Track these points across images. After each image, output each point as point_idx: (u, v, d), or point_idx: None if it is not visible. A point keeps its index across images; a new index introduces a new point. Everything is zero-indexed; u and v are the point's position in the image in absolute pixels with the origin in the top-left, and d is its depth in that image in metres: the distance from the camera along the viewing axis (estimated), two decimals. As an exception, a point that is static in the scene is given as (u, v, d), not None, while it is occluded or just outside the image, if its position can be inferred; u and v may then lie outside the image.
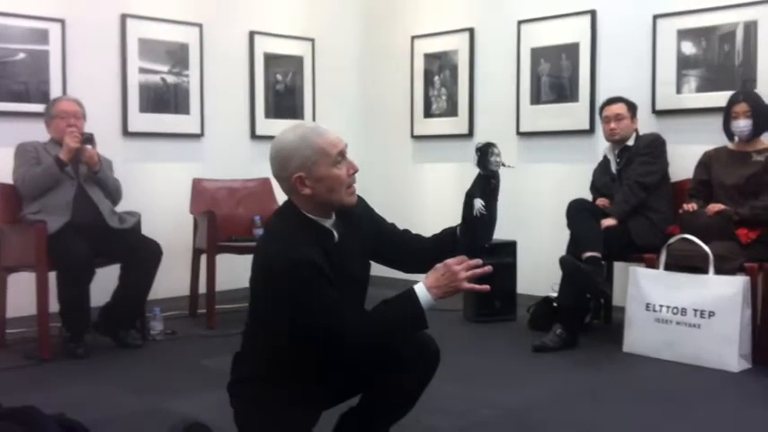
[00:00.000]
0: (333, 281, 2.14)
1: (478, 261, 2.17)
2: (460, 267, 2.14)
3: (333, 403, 2.42)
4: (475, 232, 2.34)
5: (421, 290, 2.14)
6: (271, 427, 2.21)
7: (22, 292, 4.34)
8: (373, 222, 2.44)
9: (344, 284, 2.20)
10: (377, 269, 2.48)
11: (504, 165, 2.38)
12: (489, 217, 2.35)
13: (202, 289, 5.03)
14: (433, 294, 2.13)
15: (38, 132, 4.45)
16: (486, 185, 2.36)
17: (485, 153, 2.35)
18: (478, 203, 2.33)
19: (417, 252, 2.44)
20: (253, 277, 2.28)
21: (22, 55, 4.92)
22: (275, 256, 2.16)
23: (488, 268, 2.18)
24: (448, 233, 2.43)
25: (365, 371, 2.34)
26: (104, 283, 4.34)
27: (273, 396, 2.23)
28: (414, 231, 2.54)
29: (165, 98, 5.57)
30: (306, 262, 2.11)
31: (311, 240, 2.19)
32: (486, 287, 2.19)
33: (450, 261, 2.16)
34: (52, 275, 4.15)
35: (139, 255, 4.31)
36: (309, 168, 2.20)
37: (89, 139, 4.32)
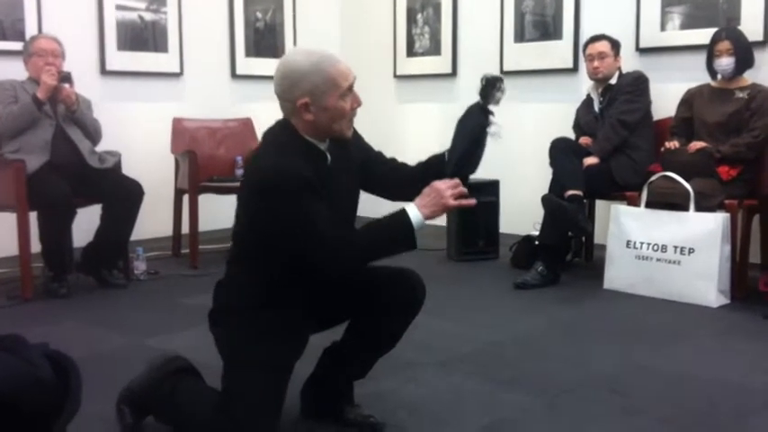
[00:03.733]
0: (323, 198, 2.14)
1: (464, 189, 2.19)
2: (446, 186, 2.16)
3: (316, 330, 2.42)
4: (462, 159, 2.33)
5: (411, 208, 2.16)
6: (254, 352, 2.21)
7: (4, 233, 4.32)
8: (362, 150, 2.44)
9: (335, 207, 2.19)
10: (363, 207, 2.47)
11: (497, 125, 2.35)
12: (477, 146, 2.34)
13: (185, 229, 5.02)
14: (422, 212, 2.14)
15: (14, 71, 4.36)
16: (482, 115, 2.34)
17: (492, 85, 2.32)
18: (489, 125, 2.31)
19: (404, 178, 2.44)
20: (240, 194, 2.27)
21: (-5, -9, 4.81)
22: (265, 169, 2.15)
23: (473, 201, 2.20)
24: (434, 159, 2.42)
25: (350, 298, 2.35)
26: (86, 223, 4.32)
27: (256, 322, 2.23)
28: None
29: (142, 36, 5.48)
30: (296, 174, 2.10)
31: (304, 158, 2.18)
32: (473, 201, 2.20)
33: (436, 182, 2.18)
34: (34, 216, 4.13)
35: (120, 195, 4.28)
36: (317, 96, 2.17)
37: (66, 77, 4.25)
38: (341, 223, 2.22)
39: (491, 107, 2.34)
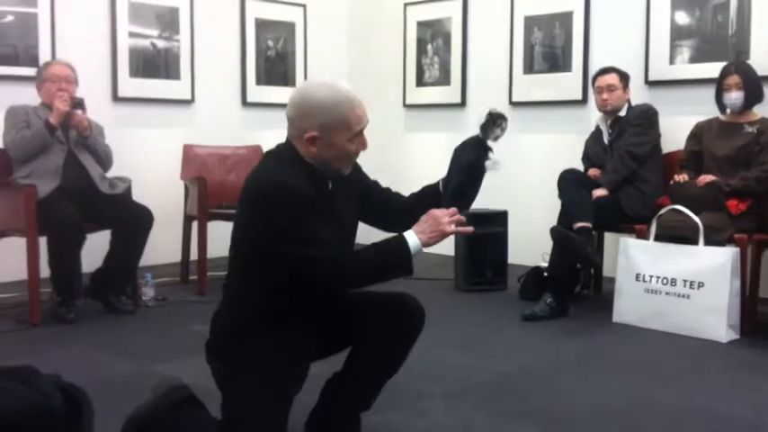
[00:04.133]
0: (322, 219, 2.14)
1: (461, 217, 2.20)
2: (443, 214, 2.18)
3: (316, 358, 2.40)
4: (457, 190, 2.34)
5: (409, 234, 2.16)
6: (253, 382, 2.20)
7: (13, 257, 4.33)
8: (361, 179, 2.45)
9: (335, 232, 2.19)
10: (359, 237, 2.47)
11: (496, 162, 2.36)
12: (474, 180, 2.36)
13: (194, 256, 5.02)
14: (419, 238, 2.15)
15: (27, 96, 4.39)
16: (480, 149, 2.35)
17: (493, 122, 2.33)
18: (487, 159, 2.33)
19: (398, 208, 2.46)
20: (238, 211, 2.27)
21: (10, 17, 4.87)
22: (264, 184, 2.17)
23: (470, 228, 2.22)
24: (428, 189, 2.45)
25: (348, 324, 2.34)
26: (95, 249, 4.33)
27: (254, 353, 2.22)
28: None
29: (155, 63, 5.53)
30: (295, 190, 2.11)
31: (306, 179, 2.18)
32: (470, 229, 2.22)
33: (433, 210, 2.20)
34: (43, 241, 4.14)
35: (130, 220, 4.29)
36: (326, 133, 2.18)
37: (79, 103, 4.28)
38: (338, 244, 2.22)
39: (489, 143, 2.35)
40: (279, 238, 2.13)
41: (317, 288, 2.22)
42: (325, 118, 2.17)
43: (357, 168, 2.42)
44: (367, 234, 2.60)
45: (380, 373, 2.40)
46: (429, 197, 2.41)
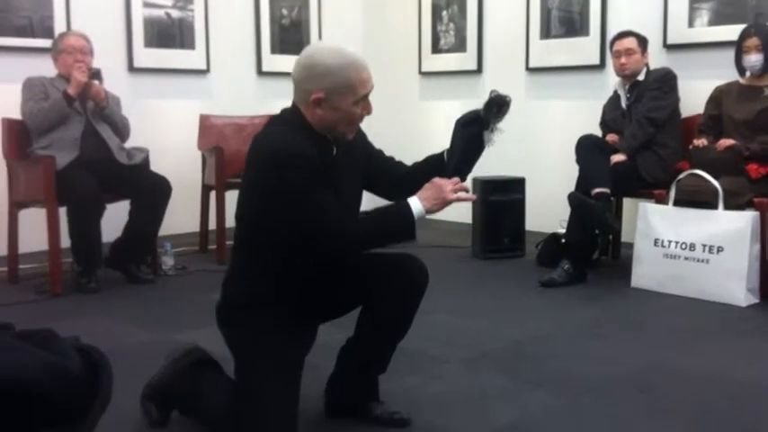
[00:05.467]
0: (327, 185, 2.16)
1: (464, 185, 2.24)
2: (446, 182, 2.22)
3: (322, 320, 2.44)
4: (459, 162, 2.37)
5: (413, 200, 2.19)
6: (264, 349, 2.23)
7: (34, 228, 4.38)
8: (366, 147, 2.47)
9: (338, 197, 2.21)
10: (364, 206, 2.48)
11: (497, 129, 2.37)
12: (474, 152, 2.38)
13: (212, 225, 5.05)
14: (423, 204, 2.18)
15: (43, 68, 4.41)
16: (480, 124, 2.37)
17: (499, 106, 2.33)
18: (486, 135, 2.35)
19: (402, 177, 2.47)
20: (245, 174, 2.28)
21: (25, -12, 4.87)
22: (269, 148, 2.17)
23: (473, 196, 2.27)
24: (432, 159, 2.46)
25: (353, 286, 2.36)
26: (115, 219, 4.36)
27: (263, 319, 2.25)
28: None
29: (169, 33, 5.53)
30: (302, 153, 2.12)
31: (310, 143, 2.19)
32: (473, 196, 2.27)
33: (436, 178, 2.24)
34: (63, 212, 4.17)
35: (148, 191, 4.32)
36: (332, 96, 2.19)
37: (96, 74, 4.30)
38: (343, 208, 2.23)
39: (491, 122, 2.37)
40: (284, 202, 2.14)
41: (322, 253, 2.23)
42: (331, 81, 2.18)
43: (362, 135, 2.43)
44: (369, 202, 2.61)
45: (390, 331, 2.39)
46: (432, 165, 2.43)
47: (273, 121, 2.31)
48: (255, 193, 2.24)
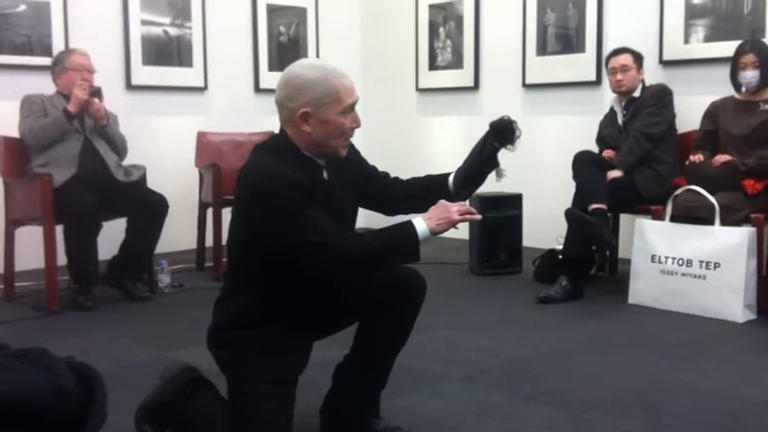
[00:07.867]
0: (319, 208, 2.14)
1: (471, 208, 2.23)
2: (452, 204, 2.21)
3: (317, 337, 2.42)
4: (469, 183, 2.38)
5: (417, 220, 2.18)
6: (257, 370, 2.22)
7: (30, 246, 4.37)
8: (360, 165, 2.45)
9: (333, 219, 2.18)
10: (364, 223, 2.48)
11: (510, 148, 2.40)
12: (483, 174, 2.41)
13: (209, 242, 5.05)
14: (428, 225, 2.16)
15: (41, 86, 4.42)
16: (492, 148, 2.38)
17: (510, 132, 2.36)
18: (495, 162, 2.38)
19: (398, 193, 2.47)
20: (234, 206, 2.28)
21: (23, 7, 4.89)
22: (247, 177, 2.17)
23: (479, 216, 2.24)
24: (435, 178, 2.47)
25: (349, 301, 2.33)
26: (112, 236, 4.36)
27: (256, 339, 2.23)
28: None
29: (167, 51, 5.54)
30: (288, 180, 2.11)
31: (299, 169, 2.18)
32: (479, 216, 2.24)
33: (443, 201, 2.22)
34: (60, 229, 4.16)
35: (145, 208, 4.32)
36: (318, 108, 2.17)
37: (97, 92, 4.30)
38: (338, 229, 2.21)
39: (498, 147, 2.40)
40: (276, 230, 2.12)
41: (312, 276, 2.20)
42: (315, 92, 2.17)
43: (354, 152, 2.42)
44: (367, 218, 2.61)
45: (389, 342, 2.37)
46: (433, 185, 2.43)
47: (257, 148, 2.29)
48: (243, 222, 2.24)
